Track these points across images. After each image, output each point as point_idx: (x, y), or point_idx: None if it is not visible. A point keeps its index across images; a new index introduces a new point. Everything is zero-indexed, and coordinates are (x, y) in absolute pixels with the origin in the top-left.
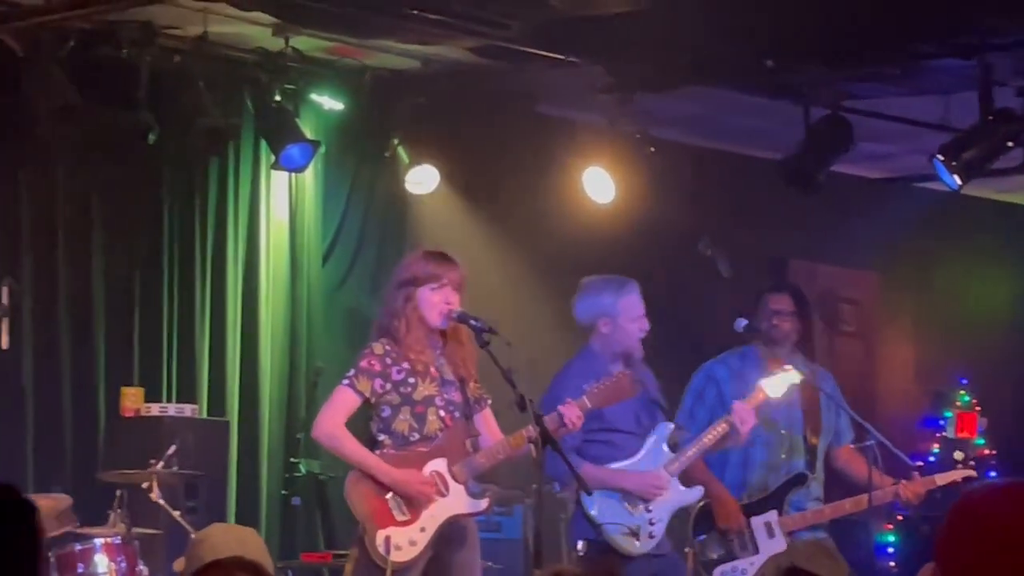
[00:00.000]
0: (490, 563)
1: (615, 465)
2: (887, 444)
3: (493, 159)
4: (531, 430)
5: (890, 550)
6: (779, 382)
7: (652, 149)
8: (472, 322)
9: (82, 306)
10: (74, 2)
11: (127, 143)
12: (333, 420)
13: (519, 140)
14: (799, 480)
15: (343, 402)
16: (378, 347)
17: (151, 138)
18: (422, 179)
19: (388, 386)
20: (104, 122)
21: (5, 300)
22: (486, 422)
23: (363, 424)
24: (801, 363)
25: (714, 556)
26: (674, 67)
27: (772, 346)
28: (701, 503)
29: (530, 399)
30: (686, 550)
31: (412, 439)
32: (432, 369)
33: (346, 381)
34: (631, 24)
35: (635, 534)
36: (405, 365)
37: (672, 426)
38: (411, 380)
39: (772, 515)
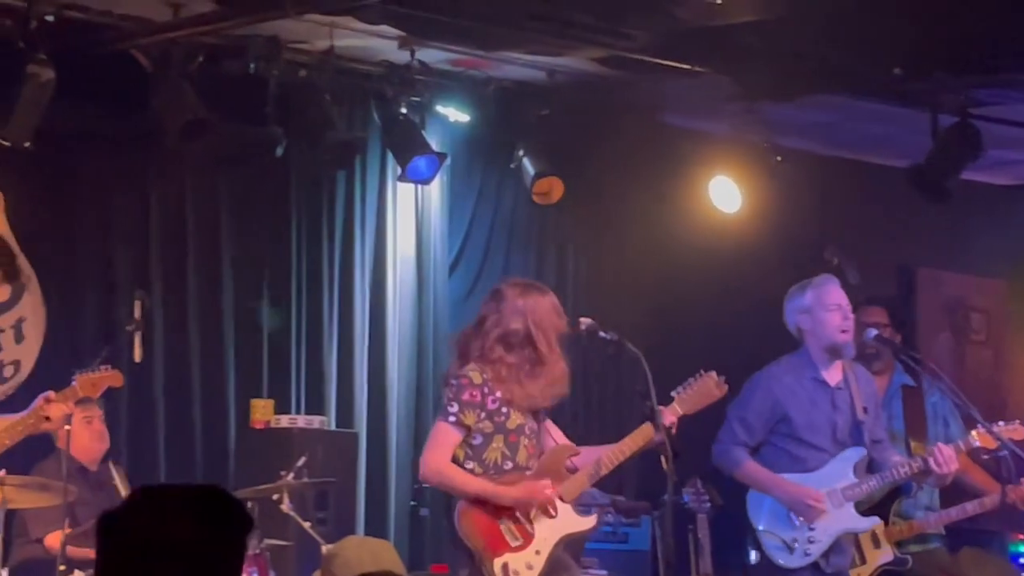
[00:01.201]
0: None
1: (788, 476)
2: (1019, 452)
3: (618, 169)
4: (654, 429)
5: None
6: None
7: (779, 158)
8: (601, 334)
9: (211, 319)
10: (203, 18)
11: (255, 157)
12: (439, 458)
13: (644, 150)
14: (903, 490)
15: (447, 438)
16: (476, 376)
17: (279, 152)
18: (547, 190)
19: (483, 415)
20: (232, 136)
21: (138, 314)
22: (551, 432)
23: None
24: (906, 376)
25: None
26: (800, 76)
27: (868, 359)
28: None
29: (659, 411)
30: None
31: (505, 468)
32: (521, 399)
33: (452, 418)
34: (757, 33)
35: (789, 547)
36: (499, 394)
37: (865, 452)
38: (504, 409)
39: (877, 525)
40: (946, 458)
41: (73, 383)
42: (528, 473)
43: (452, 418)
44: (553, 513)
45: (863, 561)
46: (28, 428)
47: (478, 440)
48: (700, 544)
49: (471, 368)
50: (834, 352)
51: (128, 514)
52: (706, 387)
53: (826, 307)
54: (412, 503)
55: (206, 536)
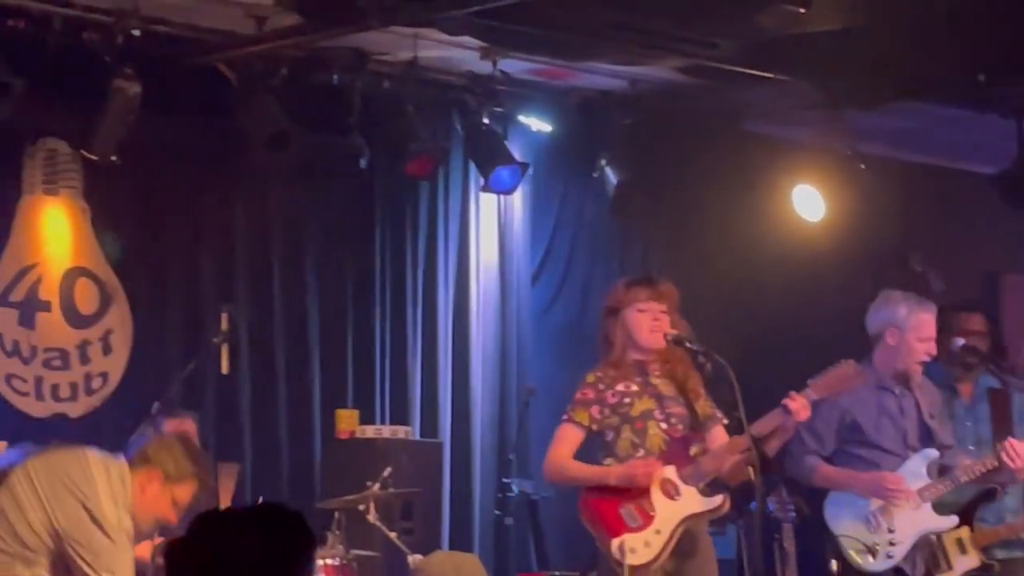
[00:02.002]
0: None
1: None
2: None
3: (701, 178)
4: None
5: None
6: None
7: (862, 166)
8: (688, 344)
9: (297, 330)
10: (287, 31)
11: (339, 168)
12: (558, 455)
13: (726, 158)
14: (988, 495)
15: (565, 437)
16: (590, 376)
17: (362, 163)
18: (630, 198)
19: (606, 410)
20: (317, 148)
21: (224, 326)
22: (718, 439)
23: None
24: (992, 380)
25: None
26: (884, 83)
27: (962, 367)
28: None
29: (748, 423)
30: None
31: (637, 455)
32: (649, 388)
33: (565, 416)
34: (840, 41)
35: (871, 551)
36: (619, 387)
37: (937, 453)
38: (627, 400)
39: (964, 531)
40: (1018, 452)
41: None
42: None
43: (565, 417)
44: (676, 495)
45: (949, 567)
46: None
47: (610, 436)
48: (785, 553)
49: (589, 371)
50: (904, 378)
51: (193, 538)
52: (844, 373)
53: (921, 338)
54: (496, 512)
55: (272, 554)
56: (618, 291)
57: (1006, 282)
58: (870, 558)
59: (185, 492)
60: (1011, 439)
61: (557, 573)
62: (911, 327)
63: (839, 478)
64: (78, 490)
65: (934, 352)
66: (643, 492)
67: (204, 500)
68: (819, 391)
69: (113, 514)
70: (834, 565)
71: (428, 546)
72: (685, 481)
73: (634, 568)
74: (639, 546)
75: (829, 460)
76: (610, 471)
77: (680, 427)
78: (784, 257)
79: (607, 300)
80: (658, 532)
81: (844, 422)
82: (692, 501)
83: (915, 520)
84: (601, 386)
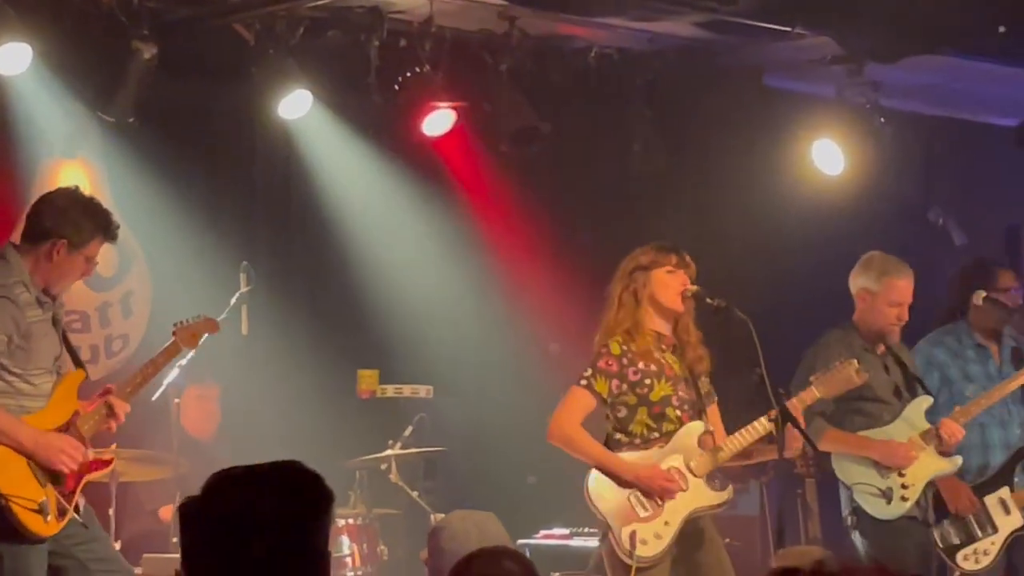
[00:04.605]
0: (728, 540)
1: (867, 433)
2: None
3: (721, 134)
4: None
5: None
6: None
7: (882, 119)
8: (708, 300)
9: (317, 290)
10: None
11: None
12: (569, 421)
13: (747, 114)
14: (1022, 454)
15: (579, 403)
16: (615, 346)
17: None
18: (651, 156)
19: (624, 387)
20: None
21: (244, 287)
22: (712, 418)
23: (597, 423)
24: (1011, 340)
25: (956, 542)
26: (904, 36)
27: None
28: (932, 492)
29: (768, 377)
30: None
31: (651, 439)
32: (667, 368)
33: (583, 382)
34: None
35: (886, 496)
36: (641, 365)
37: (931, 399)
38: (647, 381)
39: (1004, 491)
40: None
41: (172, 339)
42: (662, 446)
43: (584, 382)
44: (684, 487)
45: (995, 529)
46: (96, 423)
47: (623, 413)
48: (808, 508)
49: (613, 340)
50: (880, 337)
51: (209, 498)
52: (846, 373)
53: (890, 303)
54: (520, 471)
55: (289, 511)
56: (649, 252)
57: None
58: (885, 503)
59: (94, 249)
60: (945, 420)
61: (581, 530)
62: (882, 291)
63: (849, 443)
64: None
65: (905, 317)
66: None
67: None
68: (821, 388)
69: None
70: (850, 519)
71: (450, 505)
72: (693, 472)
73: (644, 560)
74: (650, 537)
75: (829, 416)
76: (630, 468)
77: (689, 412)
78: (804, 212)
79: (637, 258)
80: (667, 524)
81: None
82: (701, 493)
83: (922, 464)
84: (625, 360)
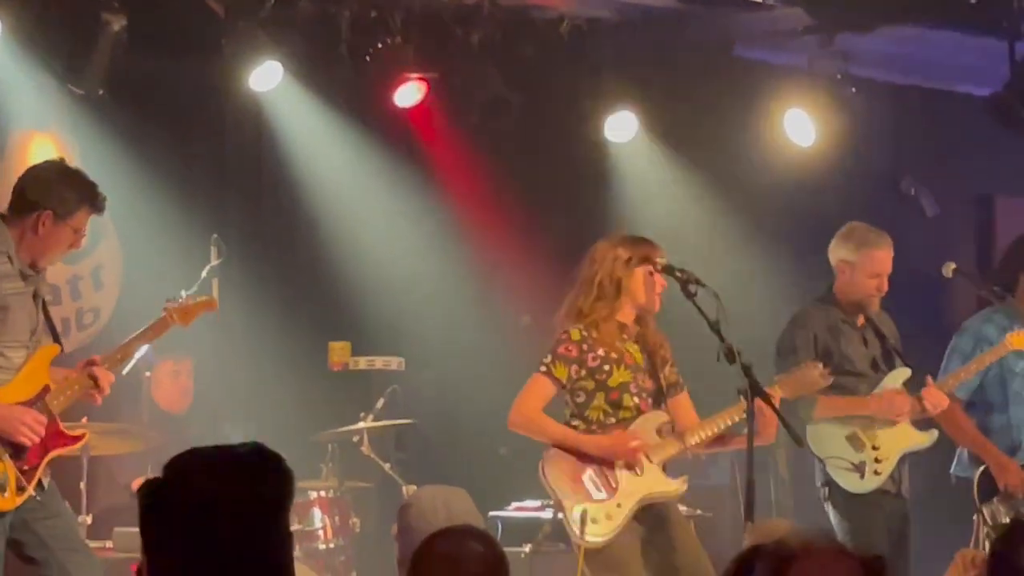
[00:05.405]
0: (698, 511)
1: None
2: None
3: (691, 105)
4: (732, 363)
5: None
6: None
7: (853, 89)
8: (678, 273)
9: (287, 262)
10: None
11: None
12: (529, 407)
13: (717, 85)
14: None
15: (539, 389)
16: (575, 332)
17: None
18: (620, 127)
19: (583, 372)
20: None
21: (215, 259)
22: (681, 407)
23: (556, 409)
24: None
25: (1006, 520)
26: (876, 6)
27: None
28: (981, 469)
29: (739, 350)
30: (973, 517)
31: (608, 424)
32: (627, 356)
33: (543, 368)
34: None
35: (859, 470)
36: (601, 352)
37: (909, 371)
38: (606, 367)
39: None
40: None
41: (163, 314)
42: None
43: (543, 368)
44: (639, 471)
45: None
46: (76, 394)
47: (581, 398)
48: (780, 479)
49: (575, 327)
50: (860, 308)
51: (175, 482)
52: (810, 375)
53: (869, 274)
54: (491, 443)
55: (250, 492)
56: (641, 246)
57: (999, 205)
58: (858, 477)
59: (80, 220)
60: (926, 390)
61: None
62: (861, 262)
63: (839, 405)
64: None
65: (885, 288)
66: (607, 461)
67: None
68: (785, 389)
69: None
70: (824, 490)
71: (422, 478)
72: (649, 458)
73: (593, 541)
74: (601, 517)
75: None
76: (592, 440)
77: (648, 400)
78: (776, 182)
79: (627, 249)
80: (619, 506)
81: (819, 348)
82: (655, 480)
83: (897, 437)
84: (585, 347)
